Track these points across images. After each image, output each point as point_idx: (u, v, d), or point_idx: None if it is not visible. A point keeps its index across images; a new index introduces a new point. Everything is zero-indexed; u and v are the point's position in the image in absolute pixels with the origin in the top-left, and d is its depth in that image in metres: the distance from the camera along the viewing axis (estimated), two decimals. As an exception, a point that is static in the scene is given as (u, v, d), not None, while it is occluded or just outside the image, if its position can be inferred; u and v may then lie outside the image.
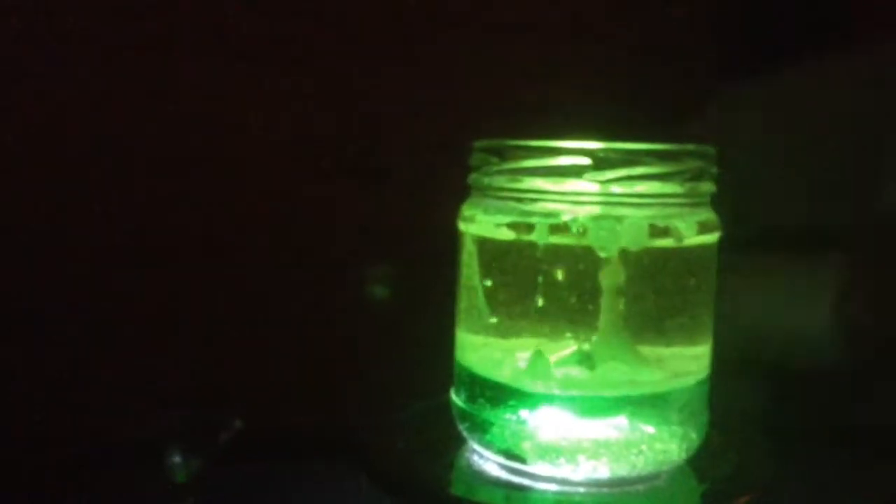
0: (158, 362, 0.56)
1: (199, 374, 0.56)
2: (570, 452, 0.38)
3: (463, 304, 0.42)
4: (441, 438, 0.43)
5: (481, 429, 0.40)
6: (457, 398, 0.42)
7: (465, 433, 0.41)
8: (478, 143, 0.41)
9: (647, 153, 0.37)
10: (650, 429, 0.39)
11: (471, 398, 0.41)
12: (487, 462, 0.41)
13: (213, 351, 0.56)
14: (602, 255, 0.37)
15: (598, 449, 0.38)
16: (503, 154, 0.39)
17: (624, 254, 0.37)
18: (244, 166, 0.58)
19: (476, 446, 0.41)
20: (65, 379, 0.56)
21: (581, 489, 0.39)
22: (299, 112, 0.58)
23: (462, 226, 0.42)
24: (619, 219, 0.37)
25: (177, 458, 0.44)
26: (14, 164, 0.55)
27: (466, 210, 0.41)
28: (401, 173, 0.59)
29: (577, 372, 0.39)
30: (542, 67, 0.59)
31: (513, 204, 0.39)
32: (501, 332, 0.39)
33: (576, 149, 0.37)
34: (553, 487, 0.39)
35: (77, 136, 0.56)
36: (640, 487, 0.38)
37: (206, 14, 0.56)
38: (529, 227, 0.38)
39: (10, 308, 0.55)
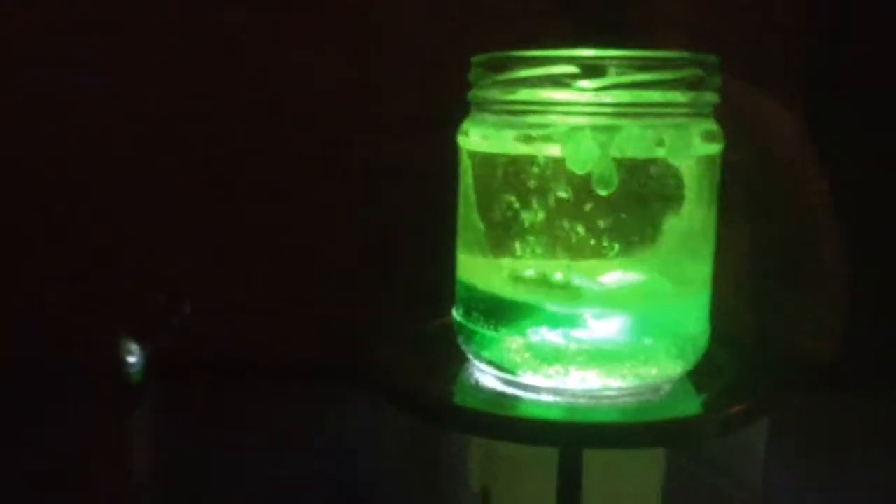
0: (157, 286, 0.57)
1: (207, 306, 0.57)
2: (560, 364, 0.38)
3: (461, 219, 0.42)
4: (447, 356, 0.44)
5: (475, 342, 0.40)
6: (456, 313, 0.42)
7: (462, 346, 0.42)
8: (475, 58, 0.41)
9: (640, 60, 0.36)
10: (646, 341, 0.38)
11: (467, 312, 0.41)
12: (487, 376, 0.41)
13: (222, 279, 0.57)
14: (593, 167, 0.37)
15: (588, 361, 0.38)
16: (498, 67, 0.39)
17: (619, 165, 0.37)
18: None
19: (472, 359, 0.42)
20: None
21: (579, 400, 0.39)
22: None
23: (460, 141, 0.42)
24: (613, 129, 0.37)
25: (132, 357, 0.46)
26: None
27: (464, 125, 0.41)
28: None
29: (567, 286, 0.39)
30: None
31: (507, 117, 0.39)
32: (494, 246, 0.40)
33: (567, 57, 0.36)
34: (550, 398, 0.39)
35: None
36: (631, 399, 0.39)
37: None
38: (520, 140, 0.38)
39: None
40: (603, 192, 0.36)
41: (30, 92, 0.59)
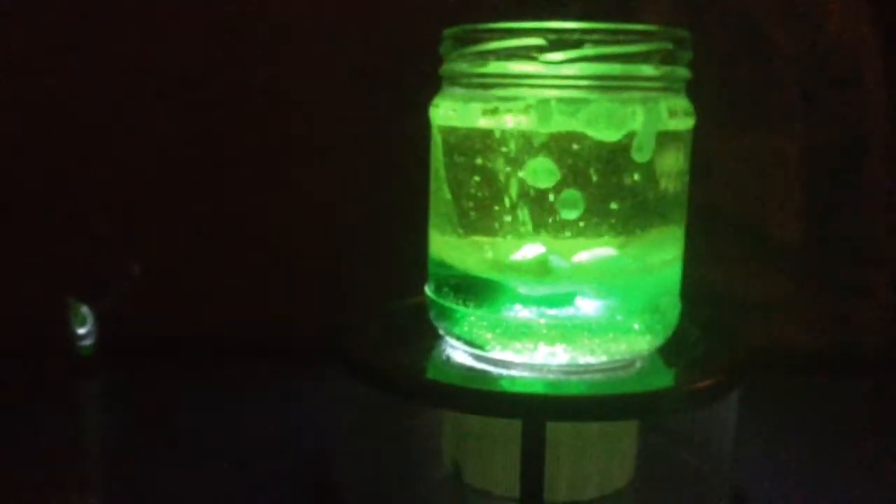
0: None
1: (176, 286, 0.56)
2: (530, 340, 0.38)
3: (432, 195, 0.42)
4: (419, 333, 0.44)
5: (446, 318, 0.40)
6: (427, 289, 0.42)
7: (434, 322, 0.42)
8: (446, 31, 0.40)
9: (611, 33, 0.36)
10: (617, 317, 0.38)
11: (438, 288, 0.41)
12: (458, 352, 0.41)
13: (193, 258, 0.56)
14: (561, 141, 0.36)
15: (559, 337, 0.38)
16: (468, 40, 0.39)
17: (585, 140, 0.36)
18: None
19: (444, 335, 0.42)
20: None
21: (549, 375, 0.39)
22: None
23: (431, 115, 0.41)
24: (581, 102, 0.36)
25: (84, 326, 0.45)
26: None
27: (435, 100, 0.41)
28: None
29: (538, 262, 0.38)
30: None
31: (476, 90, 0.38)
32: (463, 222, 0.39)
33: (537, 29, 0.36)
34: (521, 374, 0.39)
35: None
36: (600, 374, 0.39)
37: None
38: (487, 112, 0.37)
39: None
40: (571, 216, 0.37)
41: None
